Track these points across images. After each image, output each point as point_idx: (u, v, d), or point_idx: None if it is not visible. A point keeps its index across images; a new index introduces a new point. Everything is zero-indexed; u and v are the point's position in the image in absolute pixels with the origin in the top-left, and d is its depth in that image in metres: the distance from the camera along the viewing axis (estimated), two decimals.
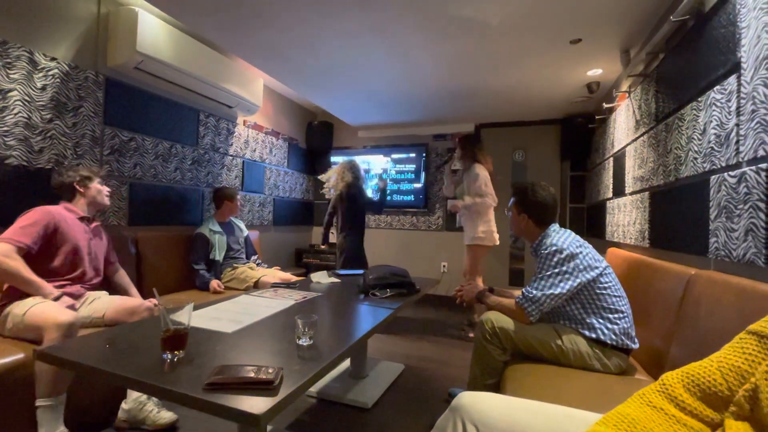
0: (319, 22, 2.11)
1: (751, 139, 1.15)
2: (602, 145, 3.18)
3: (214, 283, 2.58)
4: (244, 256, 2.96)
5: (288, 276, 2.83)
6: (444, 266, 4.33)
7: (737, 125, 1.23)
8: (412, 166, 4.45)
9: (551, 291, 1.43)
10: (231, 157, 3.41)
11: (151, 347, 1.06)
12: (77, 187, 1.83)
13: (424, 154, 4.39)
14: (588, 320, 1.45)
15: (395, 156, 4.51)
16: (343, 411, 1.84)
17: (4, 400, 1.30)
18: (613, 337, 1.41)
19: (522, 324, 1.50)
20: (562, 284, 1.43)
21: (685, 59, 1.65)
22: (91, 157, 2.27)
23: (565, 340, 1.43)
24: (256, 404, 0.77)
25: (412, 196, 4.44)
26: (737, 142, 1.22)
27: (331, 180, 3.25)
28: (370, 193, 3.34)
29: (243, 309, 1.52)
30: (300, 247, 4.55)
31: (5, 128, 1.88)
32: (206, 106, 3.09)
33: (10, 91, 1.89)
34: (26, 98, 1.95)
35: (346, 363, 2.24)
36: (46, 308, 1.46)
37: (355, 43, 2.33)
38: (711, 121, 1.39)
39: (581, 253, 1.45)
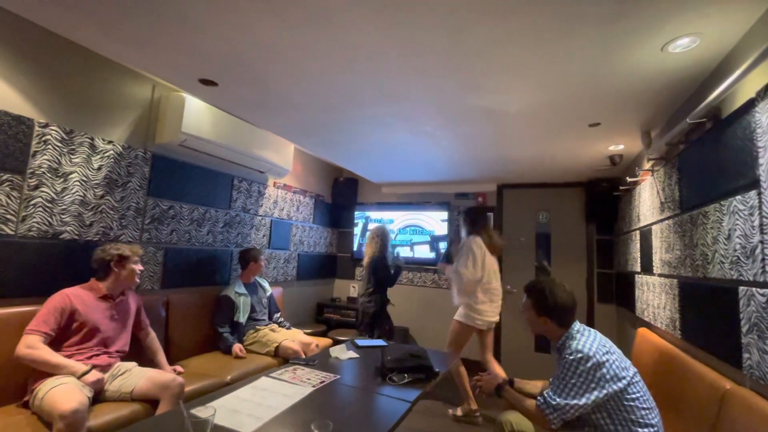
0: (348, 110, 2.27)
1: None
2: (628, 214, 3.13)
3: (237, 348, 2.63)
4: (267, 316, 3.03)
5: (308, 339, 2.85)
6: None
7: (761, 242, 1.21)
8: (433, 223, 4.49)
9: (576, 402, 1.39)
10: (260, 218, 3.58)
11: None
12: (113, 266, 1.97)
13: (446, 212, 4.44)
14: (616, 431, 1.38)
15: (417, 213, 4.59)
16: None
17: None
18: None
19: (541, 428, 1.44)
20: (587, 395, 1.38)
21: (706, 156, 1.65)
22: (134, 226, 2.45)
23: None
24: None
25: (434, 253, 4.44)
26: (763, 260, 1.20)
27: (365, 244, 3.38)
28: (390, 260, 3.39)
29: (261, 399, 1.55)
30: (321, 301, 4.59)
31: (63, 206, 2.08)
32: (240, 172, 3.30)
33: (71, 173, 2.12)
34: (84, 179, 2.17)
35: None
36: (58, 394, 1.53)
37: (380, 123, 2.48)
38: (735, 230, 1.38)
39: (608, 361, 1.41)
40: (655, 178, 2.35)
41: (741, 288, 1.33)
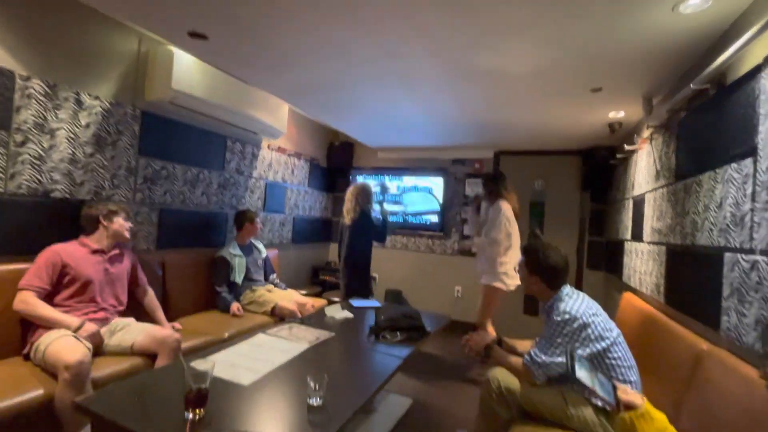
0: (344, 68, 2.19)
1: (765, 229, 1.16)
2: (623, 183, 3.14)
3: (234, 307, 2.69)
4: (262, 277, 3.08)
5: (304, 300, 2.92)
6: (458, 291, 4.34)
7: (752, 210, 1.23)
8: (429, 189, 4.49)
9: (560, 359, 1.46)
10: (255, 180, 3.54)
11: (175, 403, 1.15)
12: (102, 220, 1.97)
13: (442, 178, 4.42)
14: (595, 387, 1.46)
15: (414, 177, 4.57)
16: None
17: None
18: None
19: (528, 385, 1.52)
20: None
21: (705, 124, 1.64)
22: (126, 186, 2.42)
23: (572, 406, 1.45)
24: None
25: (429, 219, 4.47)
26: (751, 227, 1.22)
27: (345, 204, 3.19)
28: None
29: (258, 353, 1.60)
30: (316, 264, 4.66)
31: (52, 164, 2.04)
32: (233, 133, 3.23)
33: (58, 130, 2.05)
34: (71, 135, 2.11)
35: None
36: (60, 346, 1.57)
37: (379, 82, 2.40)
38: (727, 197, 1.39)
39: (594, 322, 1.47)
40: (653, 146, 2.34)
41: (727, 254, 1.36)
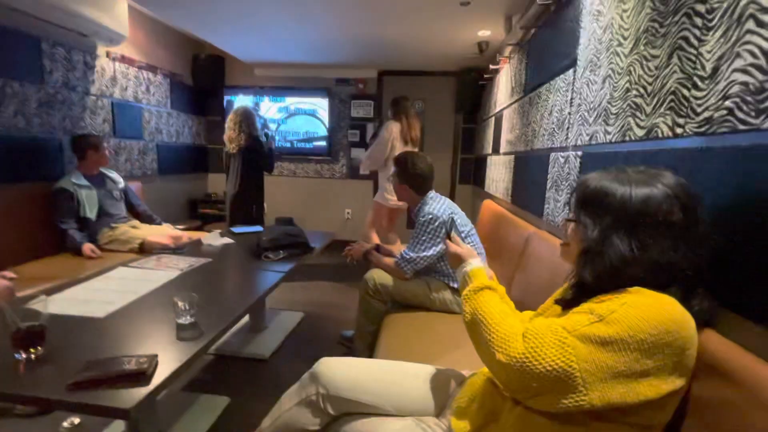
0: None
1: (575, 129, 1.40)
2: (488, 102, 3.44)
3: (87, 249, 2.32)
4: (122, 211, 2.68)
5: (179, 233, 2.68)
6: (348, 213, 4.48)
7: (570, 114, 1.47)
8: (314, 111, 4.29)
9: (425, 253, 1.65)
10: (94, 98, 2.90)
11: (3, 346, 0.99)
12: None
13: (326, 99, 4.25)
14: (453, 274, 1.72)
15: (296, 99, 4.29)
16: (241, 364, 1.96)
17: None
18: None
19: (399, 280, 1.71)
20: (434, 248, 1.65)
21: (546, 40, 1.84)
22: None
23: (433, 291, 1.69)
24: (126, 398, 0.81)
25: (315, 143, 4.35)
26: (568, 128, 1.47)
27: (227, 132, 2.94)
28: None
29: (118, 286, 1.45)
30: (194, 197, 4.25)
31: None
32: (50, 33, 2.50)
33: None
34: None
35: (246, 318, 2.31)
36: None
37: None
38: (556, 105, 1.63)
39: (451, 220, 1.67)
40: (511, 64, 2.56)
41: (552, 154, 1.64)
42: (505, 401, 0.72)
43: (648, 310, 0.57)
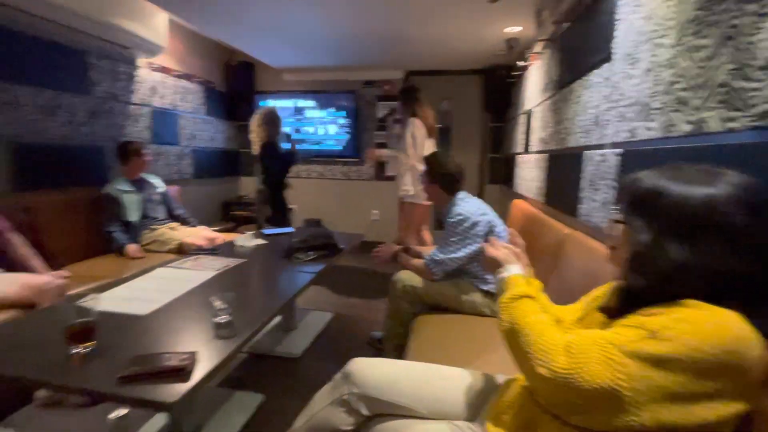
0: None
1: (612, 126, 1.34)
2: (518, 99, 3.36)
3: (131, 249, 2.46)
4: (163, 214, 2.82)
5: (214, 235, 2.78)
6: (376, 214, 4.50)
7: (607, 110, 1.41)
8: (342, 113, 4.34)
9: (454, 255, 1.63)
10: (136, 107, 3.06)
11: (58, 344, 1.05)
12: None
13: (354, 102, 4.29)
14: (484, 276, 1.69)
15: (325, 101, 4.35)
16: (273, 363, 2.01)
17: None
18: None
19: (428, 281, 1.70)
20: (464, 249, 1.63)
21: (580, 33, 1.77)
22: None
23: (463, 293, 1.67)
24: (169, 392, 0.85)
25: (343, 145, 4.40)
26: (605, 126, 1.41)
27: (250, 134, 3.09)
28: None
29: (158, 285, 1.52)
30: (227, 199, 4.39)
31: None
32: (95, 47, 2.66)
33: None
34: None
35: (277, 318, 2.37)
36: None
37: None
38: (591, 101, 1.57)
39: (482, 220, 1.64)
40: (543, 60, 2.49)
41: (586, 152, 1.58)
42: (543, 413, 0.69)
43: (706, 326, 0.52)
